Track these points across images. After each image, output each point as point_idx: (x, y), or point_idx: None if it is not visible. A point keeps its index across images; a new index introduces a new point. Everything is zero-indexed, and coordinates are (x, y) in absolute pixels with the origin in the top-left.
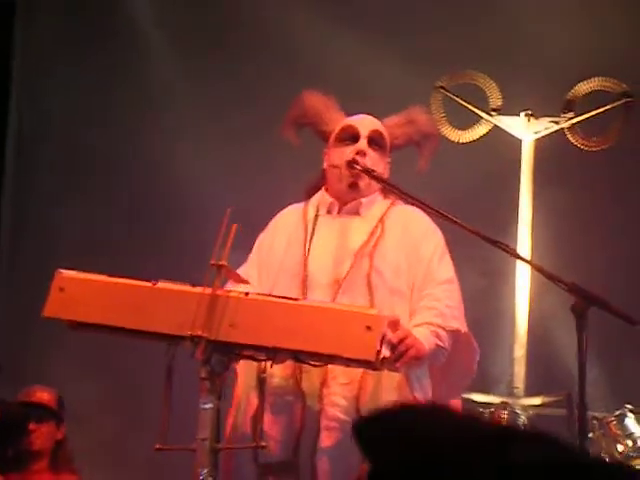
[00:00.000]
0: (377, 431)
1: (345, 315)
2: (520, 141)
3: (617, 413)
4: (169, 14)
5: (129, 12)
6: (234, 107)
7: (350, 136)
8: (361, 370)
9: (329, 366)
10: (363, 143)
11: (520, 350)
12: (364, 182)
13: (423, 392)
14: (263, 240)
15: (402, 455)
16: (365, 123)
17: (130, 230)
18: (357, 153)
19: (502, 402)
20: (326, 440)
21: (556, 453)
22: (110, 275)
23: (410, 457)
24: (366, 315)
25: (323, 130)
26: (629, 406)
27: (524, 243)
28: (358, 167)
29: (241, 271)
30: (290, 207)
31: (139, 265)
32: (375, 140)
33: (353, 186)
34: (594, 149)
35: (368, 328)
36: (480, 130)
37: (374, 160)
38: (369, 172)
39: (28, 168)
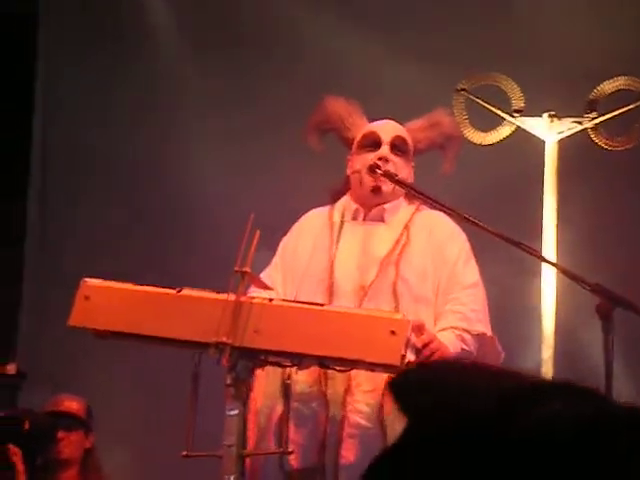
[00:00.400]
0: (411, 387)
1: (370, 320)
2: (543, 142)
3: None
4: (171, 15)
5: (133, 13)
6: (237, 106)
7: (372, 142)
8: (385, 377)
9: (353, 373)
10: (385, 149)
11: (547, 351)
12: (387, 187)
13: None
14: (287, 244)
15: (438, 409)
16: (387, 129)
17: (132, 230)
18: (379, 159)
19: None
20: (349, 447)
21: (599, 404)
22: (124, 280)
23: (445, 412)
24: (391, 320)
25: (346, 136)
26: None
27: (549, 244)
28: (380, 172)
29: (265, 274)
30: (314, 211)
31: (144, 265)
32: (398, 146)
33: (376, 190)
34: (618, 149)
35: (392, 332)
36: (503, 132)
37: (397, 166)
38: (391, 176)
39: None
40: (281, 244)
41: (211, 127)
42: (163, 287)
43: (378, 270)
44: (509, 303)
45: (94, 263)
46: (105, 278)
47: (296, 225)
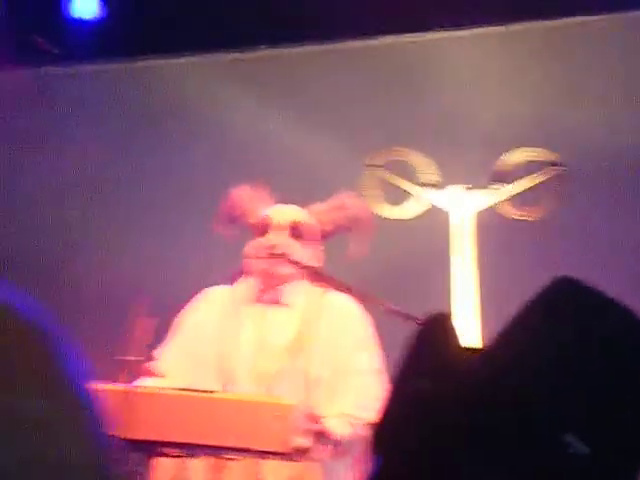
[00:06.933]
0: None
1: (256, 406)
2: (455, 215)
3: None
4: (99, 99)
5: (56, 101)
6: (165, 200)
7: (266, 227)
8: (290, 468)
9: (262, 462)
10: (277, 232)
11: None
12: (280, 268)
13: None
14: (185, 321)
15: None
16: (281, 212)
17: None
18: (270, 242)
19: None
20: None
21: None
22: None
23: None
24: (276, 405)
25: (249, 223)
26: None
27: (465, 315)
28: (273, 252)
29: (163, 351)
30: (214, 289)
31: None
32: (295, 229)
33: (267, 272)
34: (529, 219)
35: (277, 417)
36: (413, 206)
37: (292, 248)
38: (282, 257)
39: None
40: (178, 320)
41: (112, 211)
42: None
43: (286, 357)
44: None
45: None
46: None
47: (194, 303)
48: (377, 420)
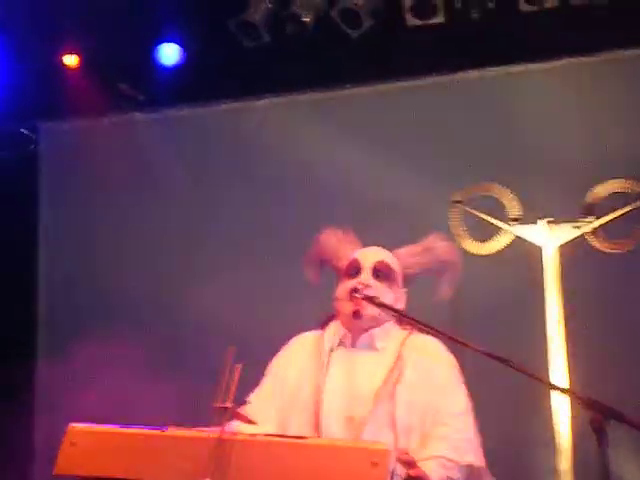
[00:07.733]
0: None
1: (351, 452)
2: (543, 249)
3: None
4: (171, 148)
5: (145, 147)
6: (233, 235)
7: (355, 269)
8: None
9: None
10: (365, 274)
11: (565, 463)
12: (369, 311)
13: None
14: (277, 366)
15: None
16: (369, 255)
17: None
18: (359, 284)
19: None
20: None
21: None
22: (122, 425)
23: None
24: (372, 450)
25: (338, 266)
26: None
27: (556, 353)
28: (359, 295)
29: (254, 397)
30: (305, 334)
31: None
32: (380, 271)
33: (356, 314)
34: (618, 251)
35: (374, 464)
36: (501, 241)
37: (379, 290)
38: (370, 299)
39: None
40: (271, 366)
41: (205, 258)
42: (152, 426)
43: (374, 402)
44: (522, 416)
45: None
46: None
47: (287, 347)
48: None
